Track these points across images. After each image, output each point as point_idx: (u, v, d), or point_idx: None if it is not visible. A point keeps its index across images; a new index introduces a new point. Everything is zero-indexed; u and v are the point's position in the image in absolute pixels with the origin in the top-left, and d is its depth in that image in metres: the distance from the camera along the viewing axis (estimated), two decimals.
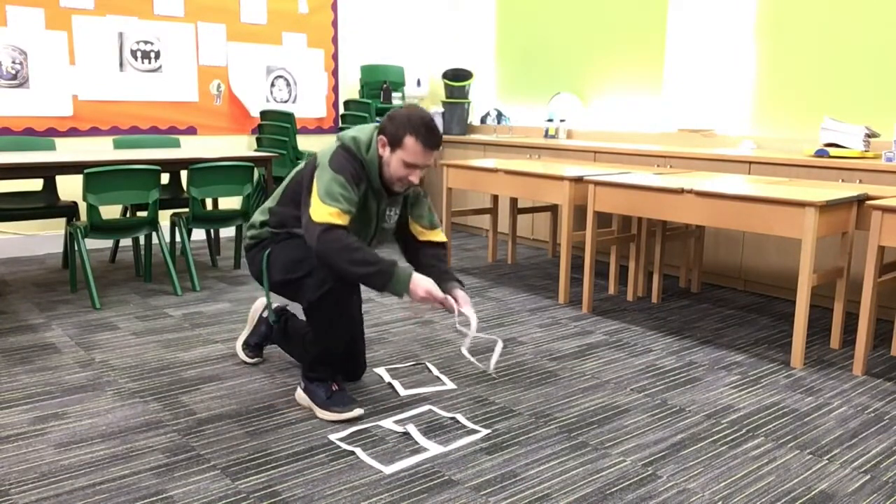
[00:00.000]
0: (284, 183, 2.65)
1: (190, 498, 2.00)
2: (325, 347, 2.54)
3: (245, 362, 3.04)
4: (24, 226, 5.09)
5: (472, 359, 2.67)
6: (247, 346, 3.04)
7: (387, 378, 2.88)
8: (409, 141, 2.41)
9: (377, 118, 5.81)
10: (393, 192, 2.56)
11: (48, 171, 4.03)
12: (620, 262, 4.92)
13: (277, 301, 3.28)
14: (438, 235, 2.74)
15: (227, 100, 5.77)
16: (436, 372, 2.96)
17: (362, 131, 2.53)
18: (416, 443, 2.34)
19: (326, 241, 2.32)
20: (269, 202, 2.68)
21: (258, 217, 2.68)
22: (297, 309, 2.99)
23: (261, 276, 2.66)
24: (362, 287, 2.54)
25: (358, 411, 2.51)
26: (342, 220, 2.36)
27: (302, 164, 2.62)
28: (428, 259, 2.66)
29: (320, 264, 2.39)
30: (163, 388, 2.77)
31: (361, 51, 6.47)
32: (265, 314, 2.99)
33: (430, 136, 2.43)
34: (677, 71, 5.11)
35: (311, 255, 2.42)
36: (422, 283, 2.37)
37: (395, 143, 2.43)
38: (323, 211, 2.35)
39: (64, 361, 3.03)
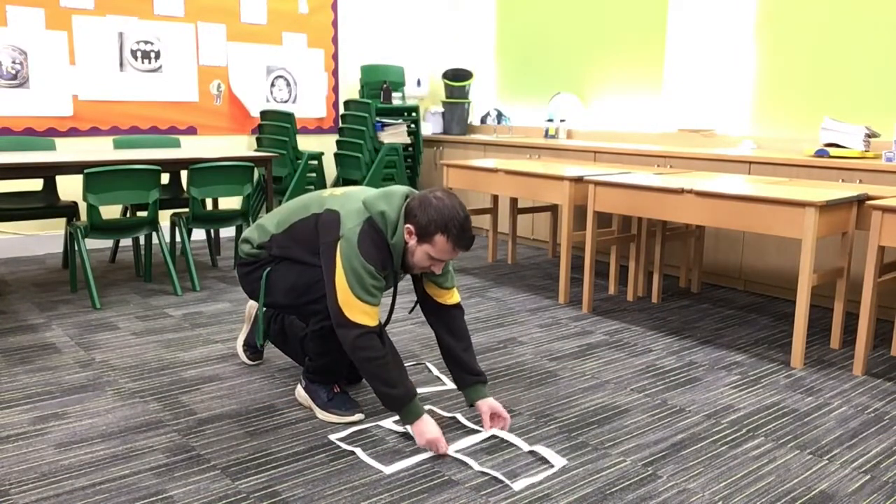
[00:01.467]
0: (292, 211, 2.51)
1: (190, 498, 2.00)
2: (328, 362, 2.53)
3: (246, 363, 3.04)
4: (24, 226, 5.09)
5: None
6: (247, 346, 3.03)
7: None
8: (440, 239, 2.26)
9: (377, 118, 5.81)
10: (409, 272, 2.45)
11: (48, 171, 4.03)
12: (620, 262, 4.92)
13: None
14: (453, 297, 2.55)
15: (227, 100, 5.77)
16: (436, 372, 2.96)
17: (391, 205, 2.33)
18: (416, 443, 2.34)
19: (360, 347, 2.24)
20: (271, 226, 2.54)
21: (255, 236, 2.57)
22: None
23: (255, 294, 2.59)
24: None
25: (359, 416, 2.51)
26: (374, 320, 2.27)
27: (315, 205, 2.44)
28: (449, 348, 2.50)
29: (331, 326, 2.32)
30: (163, 388, 2.77)
31: (361, 51, 6.47)
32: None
33: (462, 237, 2.27)
34: (677, 71, 5.11)
35: (317, 282, 2.38)
36: (426, 433, 2.27)
37: (423, 237, 2.28)
38: (356, 308, 2.24)
39: (64, 361, 3.03)
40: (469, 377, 2.47)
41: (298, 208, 2.49)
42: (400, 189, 2.39)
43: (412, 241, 2.32)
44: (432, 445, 2.26)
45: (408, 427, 2.33)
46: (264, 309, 2.94)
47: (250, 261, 2.59)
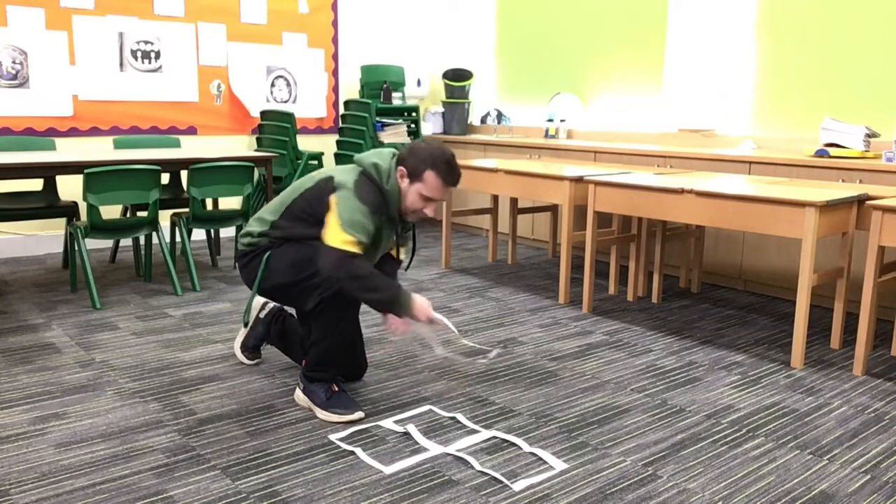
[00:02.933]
0: (286, 196, 2.60)
1: (190, 498, 2.00)
2: (328, 348, 2.53)
3: (244, 364, 3.04)
4: (24, 226, 5.09)
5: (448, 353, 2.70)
6: (245, 347, 3.03)
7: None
8: (430, 175, 2.47)
9: (377, 118, 5.82)
10: (405, 220, 2.62)
11: (48, 171, 4.03)
12: (620, 262, 4.92)
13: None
14: (401, 253, 2.82)
15: (227, 100, 5.77)
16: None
17: (382, 158, 2.53)
18: (416, 443, 2.34)
19: (344, 269, 2.34)
20: (269, 214, 2.60)
21: (255, 227, 2.61)
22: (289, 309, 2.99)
23: (254, 281, 2.60)
24: None
25: (359, 415, 2.51)
26: (357, 250, 2.37)
27: (308, 182, 2.57)
28: (386, 272, 2.67)
29: (328, 285, 2.39)
30: (163, 388, 2.77)
31: (361, 51, 6.46)
32: (262, 314, 2.98)
33: (450, 172, 2.49)
34: (677, 71, 5.11)
35: (316, 254, 2.42)
36: (424, 309, 2.46)
37: (414, 176, 2.48)
38: (340, 238, 2.35)
39: (64, 361, 3.03)
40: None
41: (291, 192, 2.60)
42: (388, 148, 2.61)
43: (405, 184, 2.50)
44: (428, 317, 2.46)
45: (410, 312, 2.45)
46: (263, 302, 2.95)
47: (250, 250, 2.62)
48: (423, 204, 2.51)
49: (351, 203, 2.40)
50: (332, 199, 2.43)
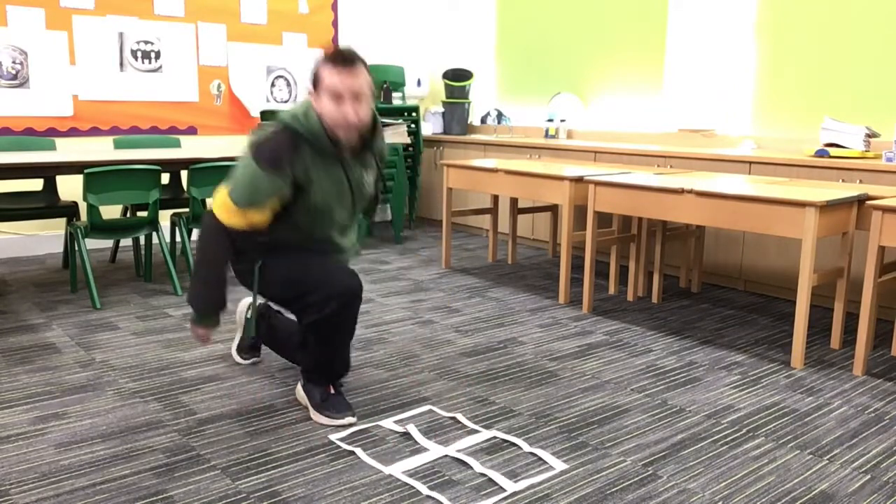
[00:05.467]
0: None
1: (190, 498, 2.00)
2: (318, 361, 2.50)
3: (244, 364, 3.04)
4: (24, 226, 5.09)
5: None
6: (241, 350, 3.03)
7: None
8: (324, 70, 2.31)
9: (377, 118, 5.81)
10: (354, 150, 2.45)
11: (48, 171, 4.03)
12: (620, 262, 4.92)
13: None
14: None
15: (227, 100, 5.77)
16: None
17: (297, 104, 2.40)
18: (416, 443, 2.34)
19: (205, 237, 2.36)
20: None
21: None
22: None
23: (250, 286, 2.56)
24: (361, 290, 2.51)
25: (349, 419, 2.47)
26: (234, 220, 2.31)
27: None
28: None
29: (321, 307, 2.36)
30: (163, 388, 2.77)
31: (361, 51, 6.45)
32: (248, 314, 2.94)
33: (338, 55, 2.30)
34: (677, 71, 5.11)
35: (311, 273, 2.39)
36: (199, 332, 2.49)
37: (316, 84, 2.34)
38: (220, 202, 2.32)
39: (64, 361, 3.03)
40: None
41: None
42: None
43: (317, 101, 2.34)
44: (198, 337, 2.50)
45: (194, 327, 2.48)
46: (248, 303, 2.93)
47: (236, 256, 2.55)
48: (337, 110, 2.31)
49: (243, 167, 2.31)
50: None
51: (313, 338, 2.47)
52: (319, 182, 2.38)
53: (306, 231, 2.46)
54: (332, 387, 2.56)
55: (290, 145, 2.32)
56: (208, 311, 2.44)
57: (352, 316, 2.43)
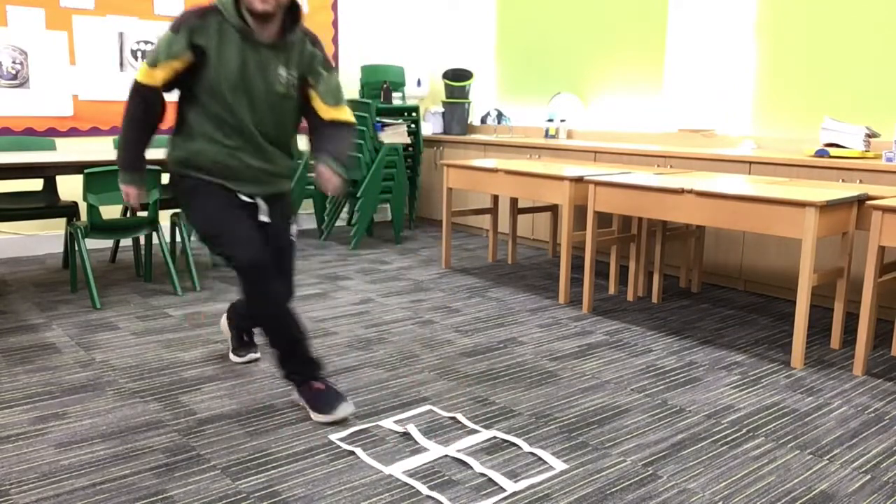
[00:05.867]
0: None
1: (190, 498, 2.00)
2: (258, 313, 2.47)
3: (243, 363, 3.04)
4: (24, 226, 5.09)
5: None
6: (235, 351, 3.05)
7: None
8: None
9: (377, 118, 5.81)
10: (271, 36, 2.39)
11: (48, 171, 4.03)
12: (620, 262, 4.92)
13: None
14: (344, 114, 2.55)
15: None
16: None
17: None
18: (416, 443, 2.34)
19: (130, 98, 2.42)
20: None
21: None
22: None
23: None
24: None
25: (344, 410, 2.45)
26: (148, 79, 2.37)
27: None
28: (323, 138, 2.51)
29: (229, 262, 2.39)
30: (163, 388, 2.77)
31: (361, 51, 6.47)
32: (225, 316, 3.05)
33: None
34: (677, 71, 5.11)
35: (223, 229, 2.41)
36: (130, 190, 2.55)
37: None
38: (140, 70, 2.40)
39: (64, 361, 3.03)
40: (322, 152, 2.46)
41: None
42: None
43: None
44: (128, 197, 2.56)
45: (121, 185, 2.56)
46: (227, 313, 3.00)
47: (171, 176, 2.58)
48: None
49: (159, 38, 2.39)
50: None
51: (245, 296, 2.45)
52: (220, 55, 2.35)
53: (216, 121, 2.41)
54: (321, 383, 2.52)
55: (198, 14, 2.36)
56: (126, 167, 2.53)
57: (262, 294, 2.39)
